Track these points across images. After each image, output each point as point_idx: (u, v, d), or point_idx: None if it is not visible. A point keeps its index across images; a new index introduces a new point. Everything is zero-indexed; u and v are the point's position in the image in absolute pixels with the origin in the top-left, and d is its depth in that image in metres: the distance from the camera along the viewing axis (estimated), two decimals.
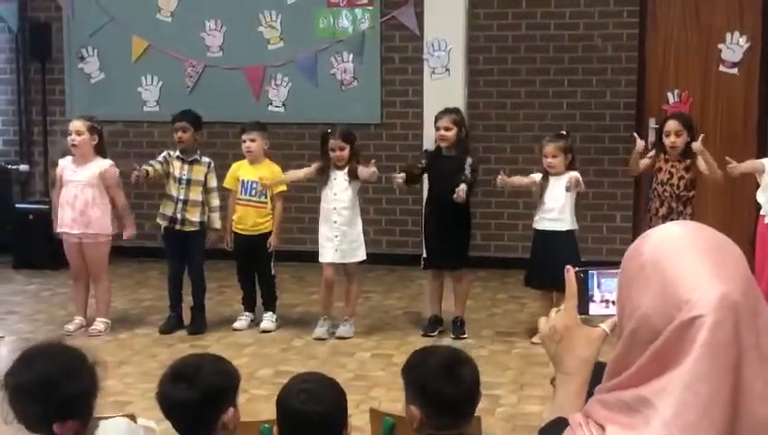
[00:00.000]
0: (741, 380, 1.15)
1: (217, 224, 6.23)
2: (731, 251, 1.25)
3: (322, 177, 6.08)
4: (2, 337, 6.00)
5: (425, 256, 6.68)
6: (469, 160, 5.96)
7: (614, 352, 1.26)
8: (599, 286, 1.52)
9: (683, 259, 1.21)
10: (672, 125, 5.84)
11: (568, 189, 5.70)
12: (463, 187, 5.81)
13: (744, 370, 1.16)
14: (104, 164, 6.09)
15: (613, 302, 1.48)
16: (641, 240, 1.29)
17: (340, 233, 6.01)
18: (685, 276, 1.19)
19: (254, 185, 6.18)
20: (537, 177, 5.96)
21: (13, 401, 2.26)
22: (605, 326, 1.47)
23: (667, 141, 5.81)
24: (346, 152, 5.96)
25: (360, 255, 6.07)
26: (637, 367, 1.19)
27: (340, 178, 5.99)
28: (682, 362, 1.14)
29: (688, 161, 5.79)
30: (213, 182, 6.22)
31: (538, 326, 1.55)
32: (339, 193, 6.00)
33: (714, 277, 1.18)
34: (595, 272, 1.52)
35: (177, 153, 6.24)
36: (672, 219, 5.63)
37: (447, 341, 5.89)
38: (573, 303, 1.47)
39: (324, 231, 6.06)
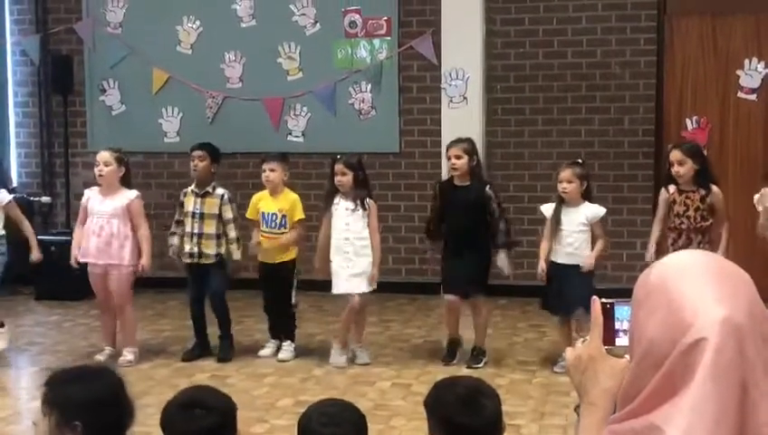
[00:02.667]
0: (747, 401, 1.16)
1: (236, 255, 6.25)
2: (736, 275, 1.27)
3: (327, 203, 6.09)
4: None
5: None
6: (489, 193, 5.95)
7: (625, 380, 1.27)
8: (624, 317, 1.51)
9: (687, 284, 1.23)
10: (674, 155, 5.78)
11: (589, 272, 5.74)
12: (502, 258, 5.94)
13: (751, 391, 1.16)
14: (131, 195, 6.14)
15: None
16: (650, 268, 1.31)
17: (351, 264, 6.01)
18: (688, 301, 1.21)
19: (274, 217, 6.22)
20: (548, 209, 5.93)
21: (60, 419, 2.29)
22: (629, 357, 1.47)
23: (673, 171, 5.79)
24: (348, 178, 5.98)
25: (372, 285, 6.06)
26: (646, 393, 1.20)
27: (349, 207, 5.99)
28: (688, 386, 1.15)
29: (703, 191, 5.73)
30: (228, 214, 6.25)
31: (564, 355, 1.55)
32: (350, 223, 6.02)
33: (716, 300, 1.20)
34: (621, 303, 1.51)
35: (191, 187, 6.29)
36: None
37: (465, 371, 5.86)
38: (598, 333, 1.47)
39: (336, 262, 6.04)
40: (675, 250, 5.71)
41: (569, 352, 1.51)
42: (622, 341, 1.48)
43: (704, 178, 5.74)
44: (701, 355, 1.15)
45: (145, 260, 6.12)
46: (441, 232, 6.16)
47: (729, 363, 1.15)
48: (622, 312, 1.50)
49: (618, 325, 1.50)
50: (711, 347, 1.16)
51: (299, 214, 6.26)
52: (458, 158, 5.96)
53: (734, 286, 1.24)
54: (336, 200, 6.03)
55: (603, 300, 1.52)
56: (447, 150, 6.06)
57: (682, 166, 5.71)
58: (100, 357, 6.09)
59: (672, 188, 5.83)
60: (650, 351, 1.20)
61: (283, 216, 6.21)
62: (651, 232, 6.00)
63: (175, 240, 6.33)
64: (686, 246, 5.68)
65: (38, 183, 8.83)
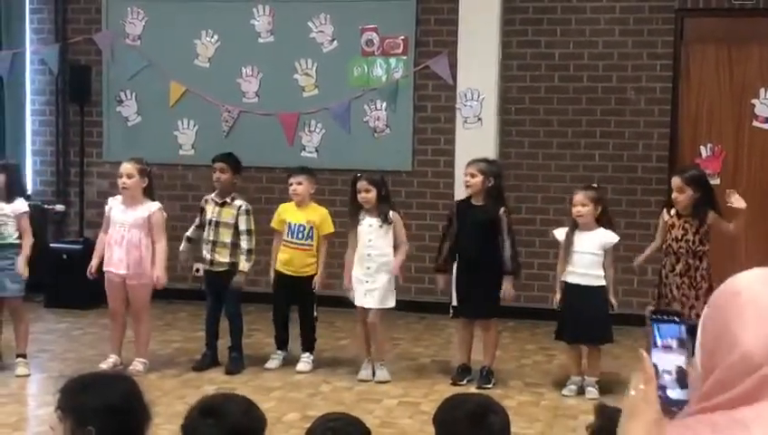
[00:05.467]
0: None
1: (243, 266, 6.27)
2: None
3: (353, 221, 6.15)
4: None
5: (454, 304, 6.69)
6: (501, 216, 5.96)
7: (704, 382, 1.34)
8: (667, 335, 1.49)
9: None
10: (674, 181, 5.81)
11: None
12: (506, 288, 5.95)
13: None
14: (153, 207, 6.18)
15: (673, 347, 1.47)
16: (734, 281, 1.40)
17: (371, 279, 6.05)
18: None
19: (302, 228, 6.28)
20: (560, 233, 5.94)
21: (75, 424, 2.31)
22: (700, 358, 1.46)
23: (672, 197, 5.80)
24: (372, 195, 6.03)
25: (389, 302, 6.10)
26: (733, 394, 1.29)
27: (374, 224, 6.04)
28: None
29: (701, 216, 5.71)
30: (243, 225, 6.28)
31: (626, 398, 1.48)
32: (373, 239, 6.07)
33: None
34: (659, 322, 1.48)
35: (213, 196, 6.37)
36: (690, 275, 5.64)
37: (474, 391, 5.85)
38: (653, 387, 1.43)
39: (357, 273, 6.11)
40: (672, 275, 5.70)
41: (630, 398, 1.45)
42: (659, 355, 1.46)
43: (703, 207, 5.71)
44: None
45: (159, 272, 6.13)
46: (450, 264, 6.20)
47: None
48: (663, 331, 1.48)
49: (658, 343, 1.48)
50: None
51: (329, 228, 6.34)
52: (473, 176, 5.98)
53: None
54: (361, 216, 6.08)
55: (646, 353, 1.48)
56: (465, 169, 6.11)
57: (681, 193, 5.71)
58: (103, 366, 6.10)
59: (672, 211, 5.83)
60: (743, 359, 1.29)
61: (311, 228, 6.28)
62: (650, 245, 6.04)
63: (186, 247, 6.38)
64: (685, 271, 5.68)
65: (53, 191, 8.87)
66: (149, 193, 6.22)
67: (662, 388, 1.45)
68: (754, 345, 1.30)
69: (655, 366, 1.45)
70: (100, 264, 6.19)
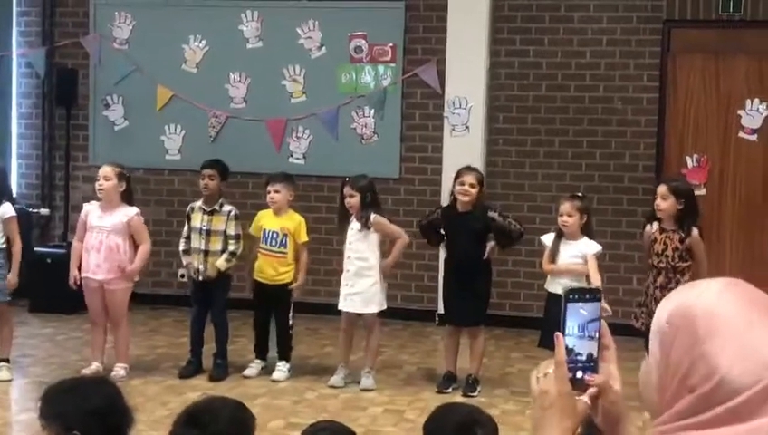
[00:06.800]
0: None
1: (221, 263, 6.23)
2: None
3: (341, 225, 6.20)
4: None
5: (440, 311, 6.68)
6: (491, 215, 6.00)
7: (667, 398, 1.32)
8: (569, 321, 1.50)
9: (758, 321, 1.30)
10: (659, 189, 5.76)
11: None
12: (491, 245, 6.02)
13: None
14: (131, 212, 6.14)
15: (591, 336, 1.49)
16: (700, 298, 1.34)
17: (350, 283, 6.06)
18: (766, 338, 1.28)
19: (275, 235, 6.24)
20: (548, 239, 5.95)
21: (59, 429, 2.31)
22: (585, 398, 1.48)
23: (655, 204, 5.77)
24: (355, 200, 6.04)
25: (372, 307, 6.09)
26: (711, 416, 1.26)
27: (355, 228, 6.09)
28: (766, 415, 1.24)
29: (682, 233, 5.65)
30: (231, 230, 6.29)
31: (530, 384, 1.55)
32: (353, 242, 6.10)
33: None
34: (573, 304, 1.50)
35: (199, 203, 6.33)
36: (670, 289, 5.59)
37: (459, 399, 5.85)
38: (564, 372, 1.47)
39: (342, 278, 6.17)
40: (654, 287, 5.68)
41: (533, 383, 1.50)
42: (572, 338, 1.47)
43: (686, 221, 5.66)
44: None
45: (133, 266, 6.08)
46: (435, 236, 6.24)
47: None
48: (577, 311, 1.49)
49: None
50: None
51: (303, 236, 6.30)
52: (473, 186, 5.97)
53: None
54: (351, 220, 6.13)
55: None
56: (461, 176, 6.02)
57: (664, 201, 5.66)
58: (86, 371, 6.06)
59: (655, 225, 5.80)
60: (723, 385, 1.26)
61: (285, 235, 6.24)
62: None
63: (189, 259, 6.31)
64: (666, 285, 5.60)
65: (37, 195, 8.83)
66: (127, 198, 6.18)
67: (572, 369, 1.47)
68: (734, 371, 1.26)
69: (567, 347, 1.47)
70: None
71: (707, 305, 1.33)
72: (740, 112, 7.57)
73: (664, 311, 1.37)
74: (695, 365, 1.30)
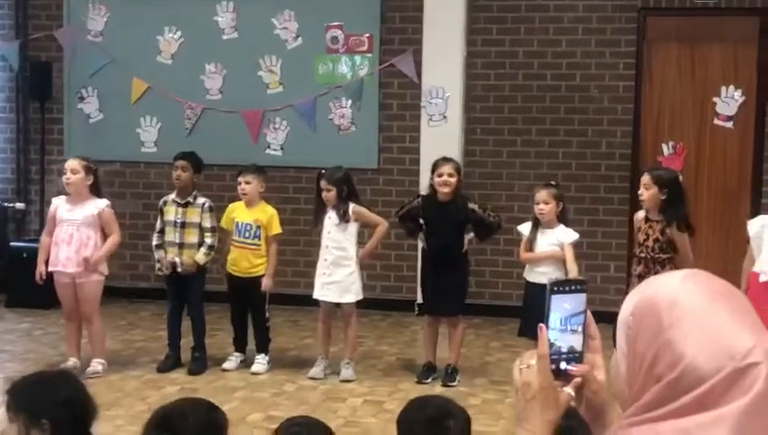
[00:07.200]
0: None
1: (199, 258, 6.20)
2: (746, 299, 1.38)
3: (317, 216, 6.18)
4: None
5: (419, 301, 6.68)
6: (472, 207, 6.00)
7: (635, 389, 1.32)
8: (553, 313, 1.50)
9: (720, 309, 1.31)
10: (643, 178, 5.73)
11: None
12: (469, 237, 6.07)
13: None
14: (101, 204, 6.11)
15: (574, 330, 1.49)
16: (663, 288, 1.36)
17: (328, 271, 6.06)
18: (729, 326, 1.29)
19: (249, 227, 6.22)
20: (525, 228, 5.96)
21: (27, 421, 2.36)
22: (569, 389, 1.48)
23: (638, 193, 5.77)
24: (332, 194, 6.05)
25: (349, 297, 6.09)
26: (678, 405, 1.27)
27: (332, 217, 6.08)
28: (730, 403, 1.25)
29: (664, 223, 5.62)
30: (207, 222, 6.27)
31: (513, 375, 1.55)
32: (332, 232, 6.10)
33: (754, 326, 1.31)
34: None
35: (172, 196, 6.30)
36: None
37: (439, 389, 5.87)
38: (546, 363, 1.47)
39: (318, 267, 6.16)
40: (635, 276, 5.67)
41: (516, 374, 1.50)
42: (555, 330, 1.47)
43: (670, 210, 5.62)
44: (755, 378, 1.25)
45: (97, 256, 6.02)
46: (413, 226, 6.21)
47: None
48: (561, 303, 1.48)
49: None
50: (765, 371, 1.26)
51: (276, 228, 6.27)
52: (451, 176, 5.97)
53: (752, 311, 1.35)
54: (327, 210, 6.11)
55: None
56: (439, 167, 6.01)
57: (647, 190, 5.64)
58: (64, 368, 6.02)
59: (642, 213, 5.80)
60: (688, 373, 1.27)
61: (258, 227, 6.22)
62: None
63: (161, 254, 6.27)
64: (645, 275, 5.50)
65: (12, 189, 8.76)
66: (96, 191, 6.14)
67: (555, 361, 1.47)
68: (698, 358, 1.27)
69: (549, 340, 1.47)
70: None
71: (670, 295, 1.34)
72: (715, 100, 7.61)
73: (628, 304, 1.39)
74: (660, 354, 1.31)
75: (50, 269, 6.07)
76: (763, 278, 5.45)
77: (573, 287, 1.49)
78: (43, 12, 8.61)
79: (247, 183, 6.24)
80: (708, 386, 1.26)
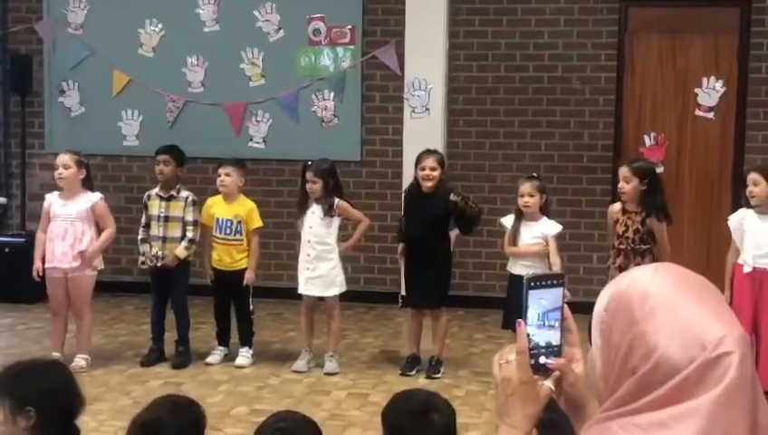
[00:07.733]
0: (756, 407, 1.30)
1: (180, 251, 6.19)
2: (716, 290, 1.39)
3: (301, 208, 6.16)
4: None
5: (403, 294, 6.69)
6: (453, 197, 6.00)
7: (611, 382, 1.33)
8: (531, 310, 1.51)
9: (691, 300, 1.33)
10: (622, 171, 5.76)
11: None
12: (455, 233, 6.11)
13: (757, 398, 1.30)
14: (94, 198, 6.10)
15: (552, 325, 1.50)
16: (636, 282, 1.37)
17: (311, 266, 6.06)
18: (700, 317, 1.31)
19: (229, 223, 6.21)
20: (508, 221, 5.97)
21: (14, 407, 2.38)
22: (549, 383, 1.49)
23: (618, 187, 5.79)
24: (318, 186, 6.03)
25: (333, 290, 6.09)
26: (653, 397, 1.28)
27: (317, 212, 6.06)
28: (703, 394, 1.26)
29: (644, 214, 5.64)
30: (189, 216, 6.25)
31: (492, 370, 1.56)
32: (314, 227, 6.09)
33: (725, 317, 1.32)
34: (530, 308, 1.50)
35: (156, 190, 6.29)
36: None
37: (423, 381, 5.88)
38: (526, 359, 1.48)
39: (300, 261, 6.15)
40: (614, 268, 5.67)
41: (496, 370, 1.51)
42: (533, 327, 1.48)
43: (649, 200, 5.64)
44: (727, 368, 1.27)
45: (92, 249, 6.01)
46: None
47: (747, 375, 1.28)
48: (539, 298, 1.49)
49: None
50: (736, 361, 1.27)
51: (257, 222, 6.26)
52: (433, 169, 5.98)
53: (725, 303, 1.36)
54: (309, 203, 6.10)
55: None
56: (422, 161, 6.04)
57: (627, 183, 5.66)
58: None
59: (618, 205, 5.82)
60: (662, 365, 1.29)
61: (239, 222, 6.20)
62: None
63: (146, 248, 6.26)
64: (625, 266, 5.51)
65: None
66: (88, 184, 6.12)
67: (534, 356, 1.48)
68: (671, 348, 1.29)
69: (528, 335, 1.48)
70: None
71: (642, 287, 1.35)
72: (696, 91, 7.64)
73: (601, 300, 1.40)
74: (634, 345, 1.32)
75: (46, 266, 6.04)
76: (746, 269, 5.52)
77: (550, 282, 1.50)
78: (23, 4, 8.54)
79: (227, 175, 6.22)
80: (682, 377, 1.27)
